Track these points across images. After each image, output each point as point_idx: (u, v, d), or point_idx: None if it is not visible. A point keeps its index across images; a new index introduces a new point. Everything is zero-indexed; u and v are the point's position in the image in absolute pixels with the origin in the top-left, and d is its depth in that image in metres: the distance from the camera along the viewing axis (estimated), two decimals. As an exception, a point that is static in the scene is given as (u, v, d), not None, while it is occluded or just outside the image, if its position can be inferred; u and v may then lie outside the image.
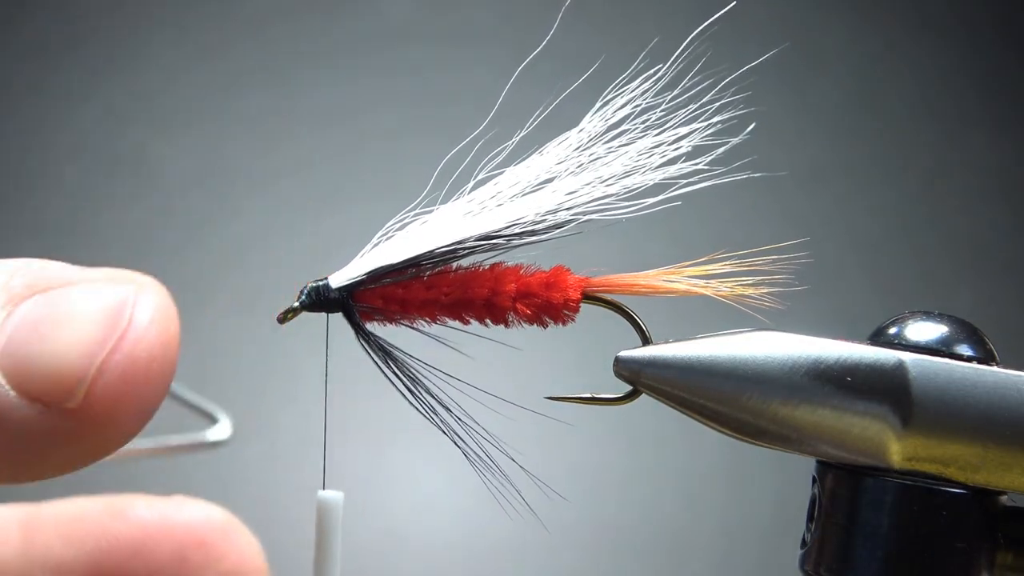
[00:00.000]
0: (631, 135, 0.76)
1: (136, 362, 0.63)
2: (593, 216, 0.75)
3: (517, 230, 0.75)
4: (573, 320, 0.76)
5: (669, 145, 0.75)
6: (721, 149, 0.75)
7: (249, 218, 2.19)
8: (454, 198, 0.76)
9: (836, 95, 2.28)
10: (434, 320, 0.76)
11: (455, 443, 0.75)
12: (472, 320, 0.76)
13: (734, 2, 0.75)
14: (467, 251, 0.76)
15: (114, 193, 2.20)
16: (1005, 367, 0.69)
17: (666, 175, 0.75)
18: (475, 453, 0.74)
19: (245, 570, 0.87)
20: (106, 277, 0.66)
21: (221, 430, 0.97)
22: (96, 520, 0.87)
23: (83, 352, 0.63)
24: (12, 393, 0.63)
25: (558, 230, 0.76)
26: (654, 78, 0.76)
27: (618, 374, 0.72)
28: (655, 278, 0.75)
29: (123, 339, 0.63)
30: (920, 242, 2.24)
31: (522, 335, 0.77)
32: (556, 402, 0.77)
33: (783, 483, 1.98)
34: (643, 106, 0.76)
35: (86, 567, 0.85)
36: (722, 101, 0.75)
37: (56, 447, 0.64)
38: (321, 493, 0.75)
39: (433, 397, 0.75)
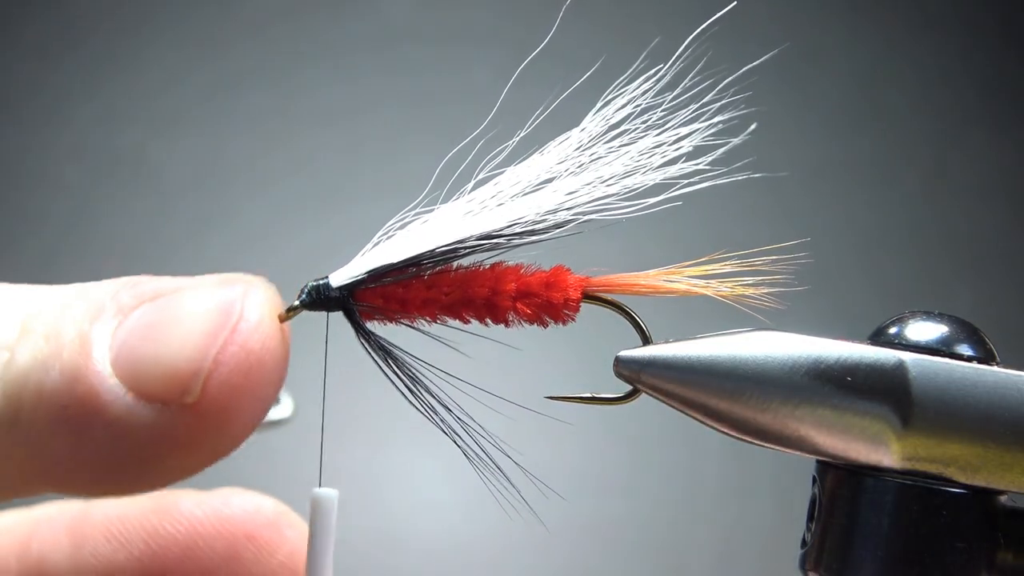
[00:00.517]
0: (632, 135, 0.76)
1: (250, 355, 0.64)
2: (593, 216, 0.75)
3: (518, 230, 0.75)
4: (573, 320, 0.76)
5: (670, 145, 0.75)
6: (722, 149, 0.75)
7: (249, 218, 2.19)
8: (455, 197, 0.76)
9: (836, 95, 2.28)
10: (434, 319, 0.76)
11: (455, 442, 0.75)
12: (472, 319, 0.76)
13: (734, 2, 0.75)
14: (468, 250, 0.75)
15: (114, 193, 2.20)
16: (1005, 367, 0.69)
17: (667, 175, 0.75)
18: (475, 452, 0.74)
19: (298, 562, 0.84)
20: (215, 280, 0.67)
21: (283, 409, 0.96)
22: (144, 520, 0.84)
23: (196, 348, 0.64)
24: (129, 396, 0.63)
25: (558, 230, 0.75)
26: (655, 78, 0.75)
27: (618, 374, 0.72)
28: (655, 278, 0.75)
29: (235, 333, 0.64)
30: (920, 242, 2.24)
31: (522, 335, 0.77)
32: (556, 402, 0.77)
33: (783, 483, 1.98)
34: (644, 106, 0.76)
35: (136, 570, 0.83)
36: (723, 101, 0.74)
37: (176, 448, 0.64)
38: (316, 490, 0.75)
39: (433, 396, 0.75)
